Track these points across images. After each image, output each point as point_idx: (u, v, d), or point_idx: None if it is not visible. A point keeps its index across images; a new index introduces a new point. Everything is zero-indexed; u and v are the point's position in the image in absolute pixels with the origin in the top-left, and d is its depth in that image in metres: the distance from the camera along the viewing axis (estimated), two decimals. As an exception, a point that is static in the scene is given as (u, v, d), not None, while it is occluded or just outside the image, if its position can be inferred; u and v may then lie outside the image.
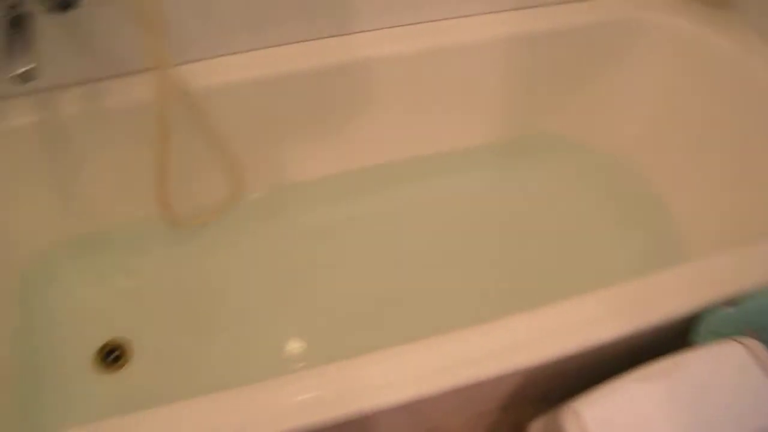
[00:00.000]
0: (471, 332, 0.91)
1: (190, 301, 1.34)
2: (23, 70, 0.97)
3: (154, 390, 1.23)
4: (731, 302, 0.95)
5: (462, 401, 1.01)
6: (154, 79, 1.18)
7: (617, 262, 1.41)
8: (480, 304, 1.34)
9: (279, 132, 1.37)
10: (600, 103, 1.53)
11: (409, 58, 1.31)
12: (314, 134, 1.40)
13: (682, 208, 1.43)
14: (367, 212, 1.49)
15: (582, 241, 1.45)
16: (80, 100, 1.18)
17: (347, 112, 1.38)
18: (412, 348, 0.89)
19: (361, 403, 0.84)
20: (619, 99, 1.51)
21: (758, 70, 1.26)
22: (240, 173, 1.39)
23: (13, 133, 1.17)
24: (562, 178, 1.56)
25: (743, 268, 0.98)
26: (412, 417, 1.01)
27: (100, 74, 1.20)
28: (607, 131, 1.57)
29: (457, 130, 1.51)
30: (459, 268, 1.40)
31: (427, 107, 1.43)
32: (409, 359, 0.88)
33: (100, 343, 1.28)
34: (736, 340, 0.89)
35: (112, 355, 1.27)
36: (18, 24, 1.01)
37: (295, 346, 1.29)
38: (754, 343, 0.89)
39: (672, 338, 1.05)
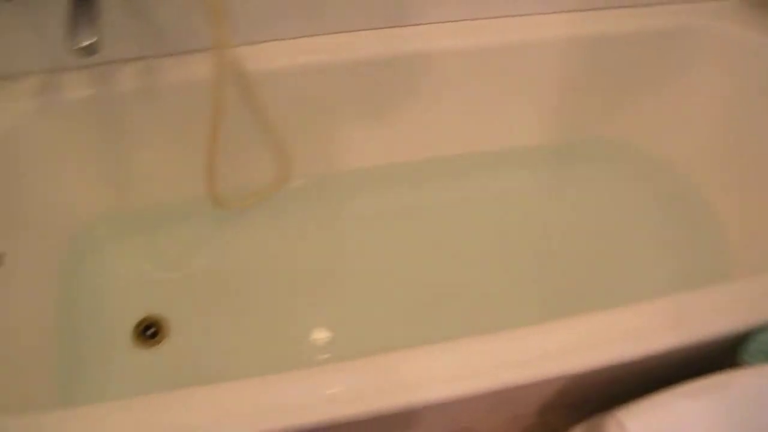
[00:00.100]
0: (516, 334, 0.90)
1: (229, 282, 1.35)
2: (88, 43, 0.98)
3: (188, 368, 1.24)
4: (785, 323, 0.93)
5: (500, 403, 1.00)
6: (212, 59, 1.18)
7: (663, 273, 1.39)
8: (519, 307, 1.33)
9: (329, 120, 1.36)
10: (658, 111, 1.51)
11: (466, 53, 1.30)
12: (364, 124, 1.39)
13: (735, 223, 1.41)
14: (411, 206, 1.48)
15: (628, 249, 1.43)
16: (137, 75, 1.19)
17: (398, 104, 1.37)
18: (454, 346, 0.88)
19: (398, 398, 0.83)
20: (677, 107, 1.49)
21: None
22: (287, 159, 1.39)
23: (69, 104, 1.18)
24: (613, 183, 1.54)
25: (798, 289, 0.96)
26: (447, 416, 1.00)
27: (159, 51, 1.20)
28: (663, 140, 1.54)
29: (509, 129, 1.49)
30: (498, 268, 1.39)
31: (479, 104, 1.41)
32: (450, 357, 0.87)
33: (138, 317, 1.30)
34: (788, 362, 0.87)
35: (149, 331, 1.28)
36: (85, -3, 1.02)
37: (322, 336, 1.29)
38: (807, 367, 0.87)
39: (719, 355, 1.03)
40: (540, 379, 0.87)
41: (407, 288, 1.35)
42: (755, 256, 1.33)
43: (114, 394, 1.19)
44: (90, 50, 1.01)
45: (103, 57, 1.18)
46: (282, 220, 1.43)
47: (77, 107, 1.19)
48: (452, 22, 1.30)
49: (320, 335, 1.29)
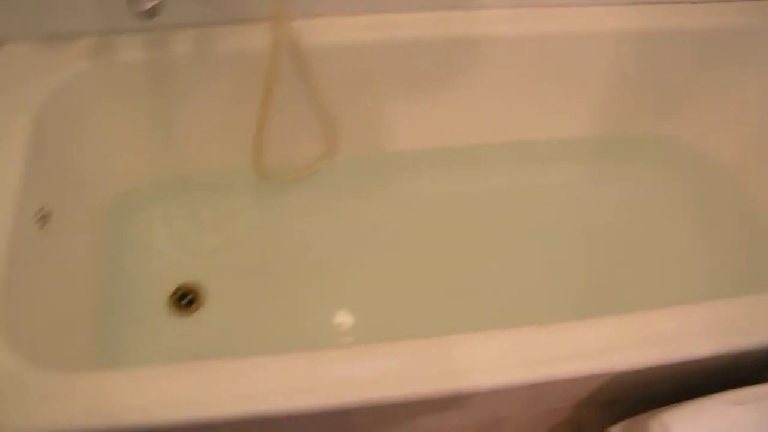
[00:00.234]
0: (558, 329, 0.90)
1: (266, 255, 1.35)
2: (151, 5, 0.98)
3: (221, 339, 1.24)
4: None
5: (540, 396, 1.00)
6: (269, 30, 1.18)
7: (706, 276, 1.37)
8: (553, 302, 1.32)
9: (378, 100, 1.36)
10: (711, 110, 1.48)
11: (522, 40, 1.28)
12: (412, 107, 1.38)
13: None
14: (454, 192, 1.47)
15: (671, 250, 1.41)
16: (193, 42, 1.18)
17: (448, 88, 1.36)
18: (505, 334, 0.88)
19: (440, 384, 0.83)
20: (732, 107, 1.46)
21: None
22: (335, 135, 1.39)
23: (123, 67, 1.18)
24: (659, 181, 1.52)
25: None
26: (488, 405, 1.00)
27: (216, 19, 1.19)
28: (715, 140, 1.52)
29: (558, 119, 1.47)
30: (536, 261, 1.38)
31: (531, 92, 1.40)
32: (499, 345, 0.87)
33: (175, 285, 1.30)
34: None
35: (185, 299, 1.29)
36: (150, -40, 1.01)
37: (346, 319, 1.29)
38: None
39: (760, 365, 1.02)
40: (586, 375, 0.86)
41: (441, 276, 1.35)
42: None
43: (147, 357, 1.20)
44: (151, 13, 1.01)
45: (159, 21, 1.18)
46: (325, 197, 1.43)
47: (131, 70, 1.19)
48: (510, 8, 1.28)
49: (344, 318, 1.29)
